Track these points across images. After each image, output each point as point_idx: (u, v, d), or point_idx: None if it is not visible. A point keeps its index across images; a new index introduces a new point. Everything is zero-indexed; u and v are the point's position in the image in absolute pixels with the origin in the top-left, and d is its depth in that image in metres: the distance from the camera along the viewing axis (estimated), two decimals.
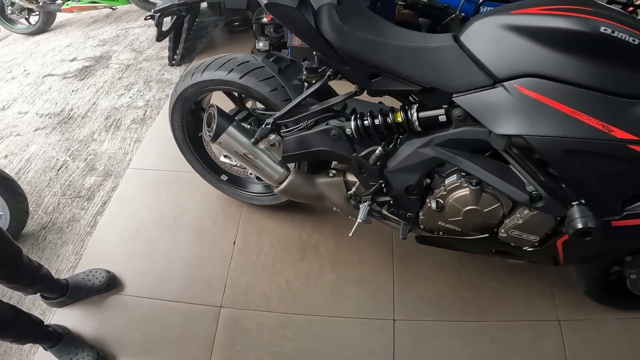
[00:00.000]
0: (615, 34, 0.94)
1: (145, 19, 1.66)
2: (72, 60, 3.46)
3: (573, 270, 1.63)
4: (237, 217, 2.05)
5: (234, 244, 1.94)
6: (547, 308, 1.72)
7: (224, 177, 2.02)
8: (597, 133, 0.99)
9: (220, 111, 1.50)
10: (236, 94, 1.70)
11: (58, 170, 2.36)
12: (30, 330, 1.46)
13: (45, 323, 1.54)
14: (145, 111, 2.79)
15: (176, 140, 1.91)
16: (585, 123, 1.00)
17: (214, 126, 1.45)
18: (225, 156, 1.76)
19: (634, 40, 0.93)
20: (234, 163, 1.77)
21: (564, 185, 1.13)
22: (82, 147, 2.51)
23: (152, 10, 1.51)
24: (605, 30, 0.94)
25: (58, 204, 2.16)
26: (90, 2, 3.76)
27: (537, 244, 1.33)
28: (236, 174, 1.98)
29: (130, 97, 2.93)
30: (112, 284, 1.77)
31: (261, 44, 3.08)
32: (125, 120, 2.72)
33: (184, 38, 3.15)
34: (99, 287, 1.73)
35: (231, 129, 1.48)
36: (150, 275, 1.83)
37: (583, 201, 1.11)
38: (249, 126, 1.59)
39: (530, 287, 1.78)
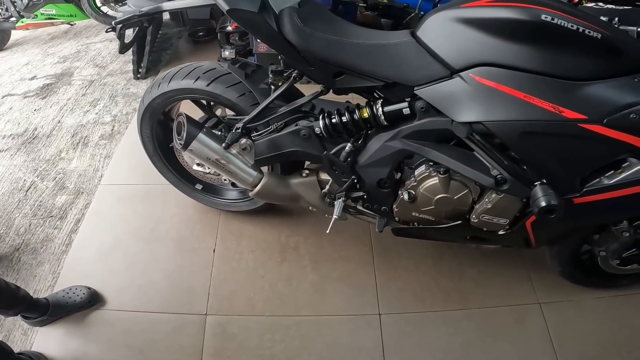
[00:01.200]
0: (555, 20, 1.04)
1: (107, 32, 1.71)
2: (32, 78, 3.45)
3: (547, 253, 1.72)
4: (214, 225, 2.09)
5: (213, 251, 1.98)
6: (527, 292, 1.82)
7: (199, 186, 2.07)
8: (549, 114, 1.09)
9: (189, 119, 1.55)
10: (204, 102, 1.75)
11: (27, 191, 2.37)
12: None
13: (16, 352, 1.53)
14: (113, 126, 2.81)
15: (147, 152, 1.95)
16: (538, 106, 1.09)
17: (184, 134, 1.51)
18: (198, 164, 1.82)
19: (572, 26, 1.03)
20: (208, 171, 1.82)
21: (525, 167, 1.22)
22: (49, 167, 2.52)
23: (113, 22, 1.55)
24: (545, 17, 1.04)
25: (30, 225, 2.17)
26: (46, 19, 3.75)
27: (507, 227, 1.42)
28: (210, 182, 2.03)
29: (97, 113, 2.95)
30: (93, 299, 1.78)
31: (227, 53, 3.15)
32: (93, 136, 2.74)
33: (148, 50, 3.19)
34: (80, 304, 1.74)
35: (201, 135, 1.54)
36: (132, 288, 1.85)
37: (544, 181, 1.20)
38: (219, 132, 1.65)
39: (508, 272, 1.87)
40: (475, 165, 1.28)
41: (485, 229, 1.45)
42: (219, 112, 1.84)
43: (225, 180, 1.91)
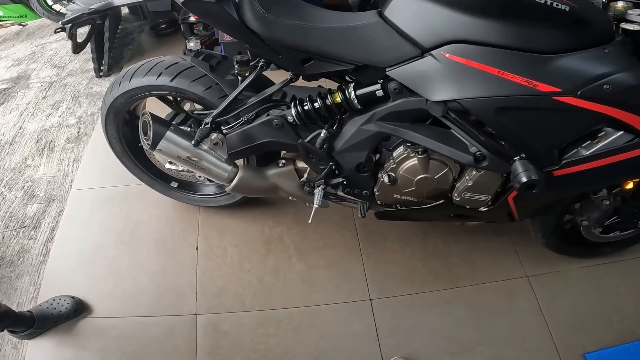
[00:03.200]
0: None
1: (56, 32, 1.63)
2: None
3: (530, 225, 1.75)
4: (195, 222, 2.08)
5: (196, 249, 1.98)
6: (514, 266, 1.86)
7: (174, 184, 2.05)
8: (523, 89, 1.09)
9: (154, 117, 1.52)
10: (171, 97, 1.72)
11: None
12: None
13: None
14: (79, 128, 2.75)
15: (116, 154, 1.91)
16: (511, 81, 1.10)
17: (151, 134, 1.48)
18: (171, 162, 1.79)
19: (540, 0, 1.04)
20: (181, 168, 1.80)
21: (503, 143, 1.22)
22: (16, 176, 2.47)
23: (61, 22, 1.49)
24: None
25: (2, 237, 2.13)
26: None
27: (490, 203, 1.43)
28: (186, 179, 2.01)
29: (60, 116, 2.88)
30: (79, 309, 1.78)
31: (192, 44, 3.10)
32: (59, 140, 2.67)
33: (108, 47, 3.10)
34: (66, 314, 1.74)
35: (169, 133, 1.51)
36: (117, 293, 1.85)
37: (523, 155, 1.21)
38: (188, 128, 1.62)
39: (494, 248, 1.91)
40: (453, 143, 1.28)
41: (468, 207, 1.47)
42: (187, 106, 1.81)
43: (200, 176, 1.89)
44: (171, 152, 1.54)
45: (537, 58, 1.09)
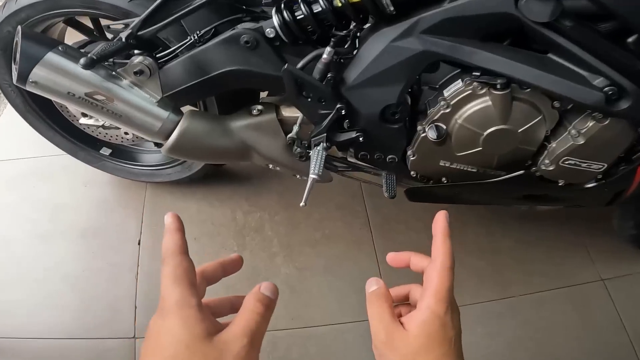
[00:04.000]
0: None
1: None
2: None
3: (619, 211, 1.36)
4: (139, 205, 1.64)
5: (139, 244, 1.56)
6: (583, 265, 1.52)
7: (106, 151, 1.52)
8: None
9: (28, 34, 0.96)
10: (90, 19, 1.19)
11: None
12: None
13: None
14: None
15: (16, 108, 1.37)
16: None
17: (18, 56, 0.93)
18: (85, 114, 1.21)
19: None
20: (101, 122, 1.23)
21: None
22: None
23: None
24: None
25: None
26: None
27: (600, 177, 0.95)
28: (117, 141, 1.45)
29: None
30: None
31: None
32: None
33: None
34: None
35: (51, 55, 0.95)
36: (28, 307, 1.46)
37: None
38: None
39: (555, 241, 1.56)
40: (561, 73, 0.78)
41: (561, 182, 0.96)
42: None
43: (126, 133, 1.33)
44: (57, 87, 0.98)
45: None
